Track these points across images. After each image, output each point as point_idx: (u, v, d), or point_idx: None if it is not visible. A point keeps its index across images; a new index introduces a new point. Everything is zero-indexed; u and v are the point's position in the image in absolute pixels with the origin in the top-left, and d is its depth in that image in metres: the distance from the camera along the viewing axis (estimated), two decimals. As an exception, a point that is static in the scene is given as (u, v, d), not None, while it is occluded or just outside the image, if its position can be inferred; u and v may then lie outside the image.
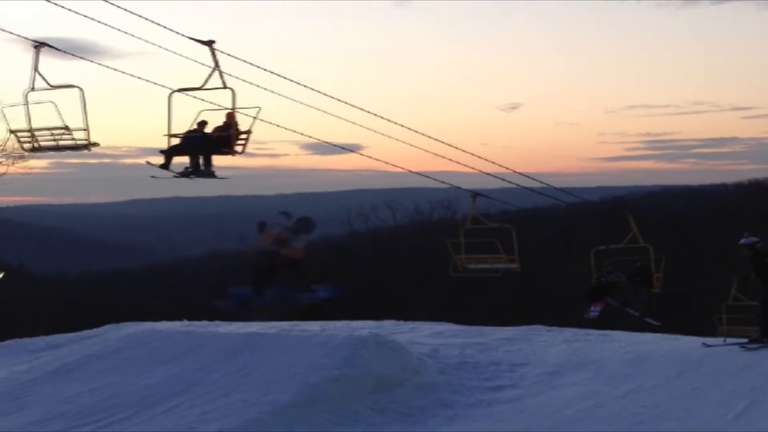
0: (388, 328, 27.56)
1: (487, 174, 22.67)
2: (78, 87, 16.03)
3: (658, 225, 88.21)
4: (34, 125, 16.68)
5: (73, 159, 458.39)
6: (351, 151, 22.54)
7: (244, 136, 17.42)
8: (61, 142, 16.88)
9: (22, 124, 16.76)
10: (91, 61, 17.57)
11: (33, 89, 15.99)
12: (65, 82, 16.14)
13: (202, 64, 16.03)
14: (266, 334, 23.02)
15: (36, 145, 16.98)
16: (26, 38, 16.01)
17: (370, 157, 22.94)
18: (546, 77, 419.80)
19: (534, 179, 23.47)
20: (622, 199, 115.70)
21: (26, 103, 16.15)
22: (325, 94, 18.99)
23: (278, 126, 19.83)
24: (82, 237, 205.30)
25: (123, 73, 17.20)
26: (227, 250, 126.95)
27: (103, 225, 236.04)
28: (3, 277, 57.16)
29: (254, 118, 16.83)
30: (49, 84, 15.95)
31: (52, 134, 16.76)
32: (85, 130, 16.58)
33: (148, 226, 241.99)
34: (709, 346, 21.58)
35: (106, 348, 23.73)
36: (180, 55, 16.31)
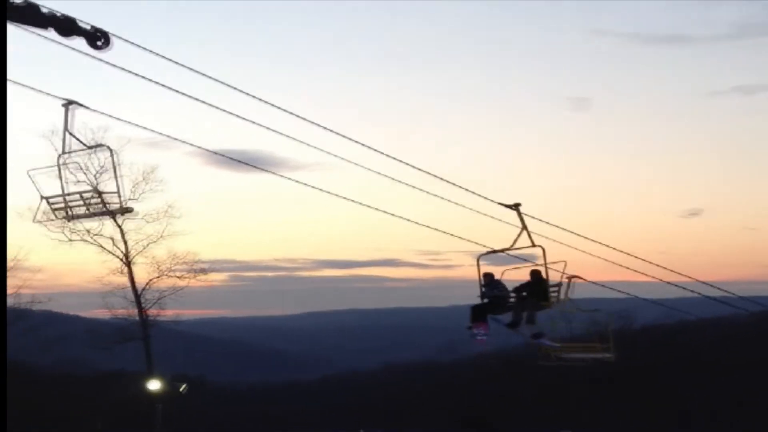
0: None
1: (667, 283, 22.14)
2: None
3: None
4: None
5: (250, 272, 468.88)
6: (526, 261, 22.33)
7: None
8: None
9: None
10: (270, 172, 17.92)
11: None
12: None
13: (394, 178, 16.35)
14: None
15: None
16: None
17: (545, 266, 22.50)
18: (729, 182, 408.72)
19: (716, 287, 22.82)
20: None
21: None
22: (498, 203, 19.04)
23: (452, 235, 19.93)
24: (260, 349, 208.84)
25: (305, 184, 17.42)
26: (403, 361, 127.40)
27: (279, 337, 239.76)
28: (185, 388, 58.20)
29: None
30: None
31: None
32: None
33: (324, 337, 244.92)
34: None
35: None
36: (361, 166, 16.63)
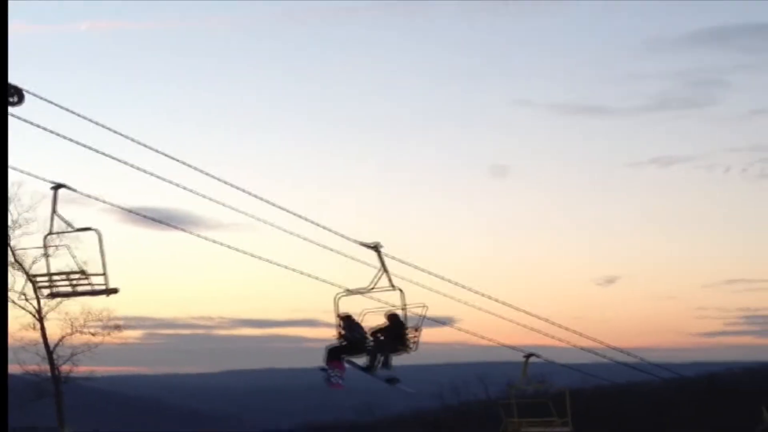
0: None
1: (582, 349, 22.45)
2: None
3: (758, 401, 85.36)
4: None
5: (166, 330, 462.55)
6: (444, 324, 22.47)
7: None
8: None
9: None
10: (185, 231, 17.87)
11: None
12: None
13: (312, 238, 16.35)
14: None
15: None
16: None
17: (463, 330, 22.72)
18: (644, 251, 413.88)
19: (629, 354, 23.23)
20: (718, 375, 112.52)
21: None
22: (415, 267, 19.12)
23: (363, 295, 19.96)
24: (175, 407, 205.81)
25: (221, 244, 17.46)
26: (319, 422, 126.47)
27: (195, 395, 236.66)
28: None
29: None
30: None
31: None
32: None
33: (239, 397, 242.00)
34: None
35: None
36: (277, 227, 16.66)
